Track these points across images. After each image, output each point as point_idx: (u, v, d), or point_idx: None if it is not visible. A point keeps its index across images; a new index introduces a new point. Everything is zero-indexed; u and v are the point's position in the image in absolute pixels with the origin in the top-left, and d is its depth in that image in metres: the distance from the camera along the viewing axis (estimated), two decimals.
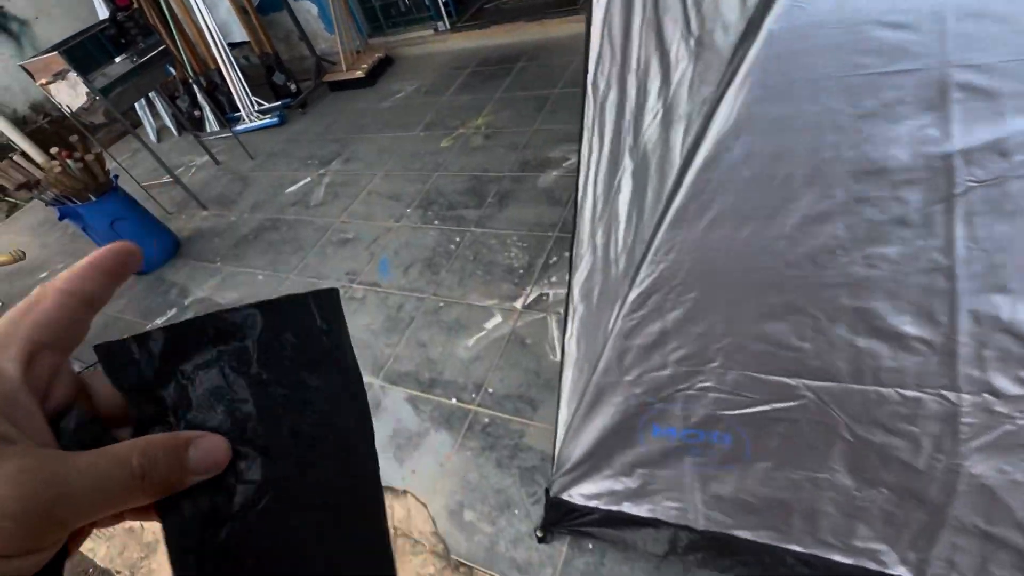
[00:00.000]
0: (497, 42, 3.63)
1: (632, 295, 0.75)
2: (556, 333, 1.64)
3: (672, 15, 0.64)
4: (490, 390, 1.56)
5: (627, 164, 0.78)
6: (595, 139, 0.88)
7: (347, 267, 2.21)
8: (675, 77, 0.66)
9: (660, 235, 0.68)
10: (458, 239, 2.14)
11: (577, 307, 0.97)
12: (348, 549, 0.22)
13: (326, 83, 3.85)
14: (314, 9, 4.06)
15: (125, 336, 0.20)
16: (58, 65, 2.42)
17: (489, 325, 1.75)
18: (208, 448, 0.19)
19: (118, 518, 0.19)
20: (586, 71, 0.88)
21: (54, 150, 2.14)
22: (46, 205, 2.39)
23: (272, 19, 4.07)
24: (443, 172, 2.57)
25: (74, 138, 2.25)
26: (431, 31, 3.92)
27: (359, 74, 3.69)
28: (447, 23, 3.84)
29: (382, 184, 2.66)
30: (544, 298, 1.77)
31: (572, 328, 0.99)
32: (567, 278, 0.98)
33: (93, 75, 2.46)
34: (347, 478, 0.23)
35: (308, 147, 3.25)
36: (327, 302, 0.23)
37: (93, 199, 2.31)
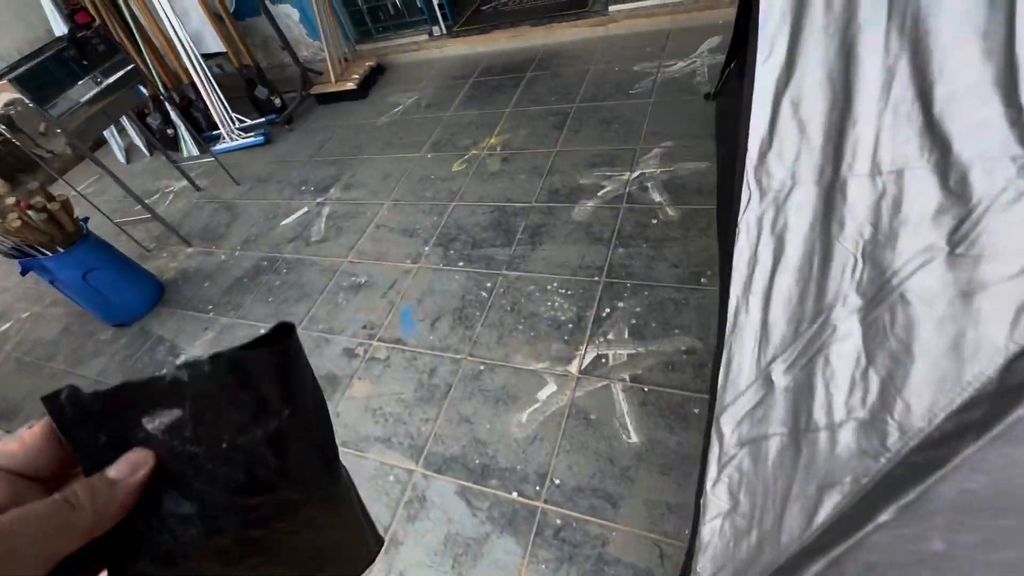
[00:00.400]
0: (500, 48, 3.37)
1: (900, 503, 0.54)
2: (625, 407, 1.43)
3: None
4: (557, 481, 1.34)
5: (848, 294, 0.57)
6: (764, 242, 0.66)
7: (363, 319, 1.96)
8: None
9: (970, 451, 0.47)
10: (489, 285, 1.90)
11: (732, 451, 0.75)
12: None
13: (313, 96, 3.53)
14: (295, 14, 3.72)
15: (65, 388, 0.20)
16: (9, 92, 2.08)
17: (542, 395, 1.53)
18: (128, 458, 0.20)
19: None
20: (740, 157, 0.66)
21: (10, 200, 1.82)
22: (3, 255, 2.07)
23: (249, 25, 3.72)
24: (460, 202, 2.32)
25: (33, 185, 1.93)
26: (425, 36, 3.63)
27: (350, 85, 3.38)
28: (443, 27, 3.56)
29: (391, 216, 2.40)
30: (603, 361, 1.55)
31: (716, 471, 0.78)
32: (711, 387, 0.76)
33: (52, 103, 2.13)
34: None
35: (301, 170, 2.95)
36: (272, 357, 0.22)
37: (61, 250, 2.00)
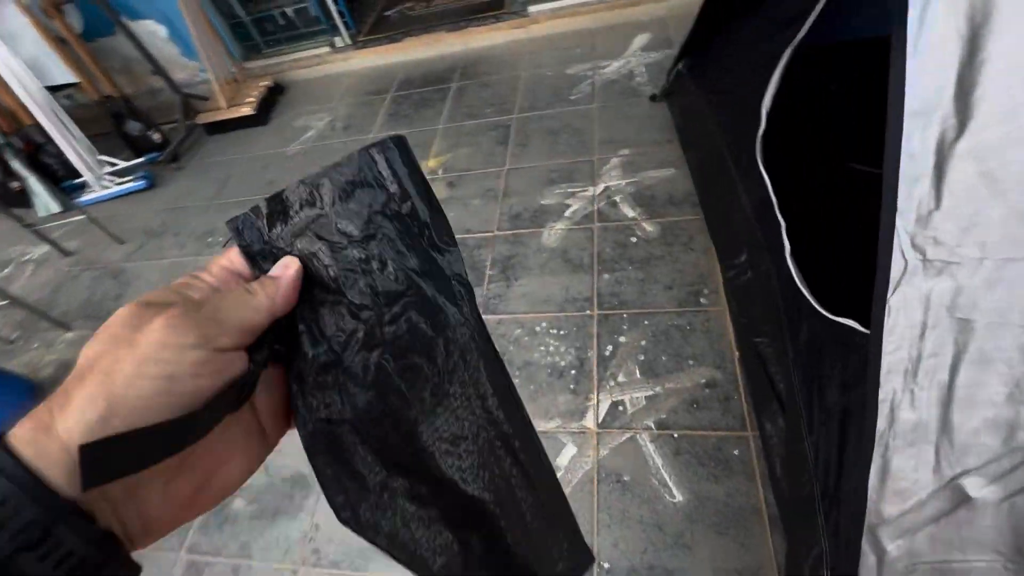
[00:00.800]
0: (416, 58, 3.09)
1: None
2: (659, 460, 1.29)
3: None
4: (606, 565, 1.17)
5: None
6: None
7: None
8: None
9: None
10: None
11: (904, 571, 0.61)
12: (440, 387, 0.26)
13: (201, 126, 3.02)
14: (161, 30, 3.16)
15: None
16: None
17: (564, 461, 1.34)
18: (279, 263, 0.26)
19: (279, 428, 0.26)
20: (887, 213, 0.52)
21: None
22: None
23: (103, 47, 3.10)
24: None
25: None
26: (327, 48, 3.25)
27: (246, 110, 2.93)
28: (347, 37, 3.20)
29: None
30: (620, 408, 1.40)
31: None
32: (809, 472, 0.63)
33: None
34: (434, 329, 0.26)
35: (202, 217, 2.49)
36: (392, 150, 0.27)
37: None
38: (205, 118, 2.99)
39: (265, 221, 0.26)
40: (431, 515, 0.24)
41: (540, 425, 1.42)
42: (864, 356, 0.92)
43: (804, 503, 0.97)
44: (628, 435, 1.35)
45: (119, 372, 0.19)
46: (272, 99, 3.11)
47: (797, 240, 1.18)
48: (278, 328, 0.25)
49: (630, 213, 1.86)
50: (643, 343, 1.51)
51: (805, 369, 1.04)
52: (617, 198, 1.92)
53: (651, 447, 1.32)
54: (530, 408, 1.42)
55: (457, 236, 1.78)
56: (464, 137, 2.43)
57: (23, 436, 0.18)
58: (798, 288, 1.11)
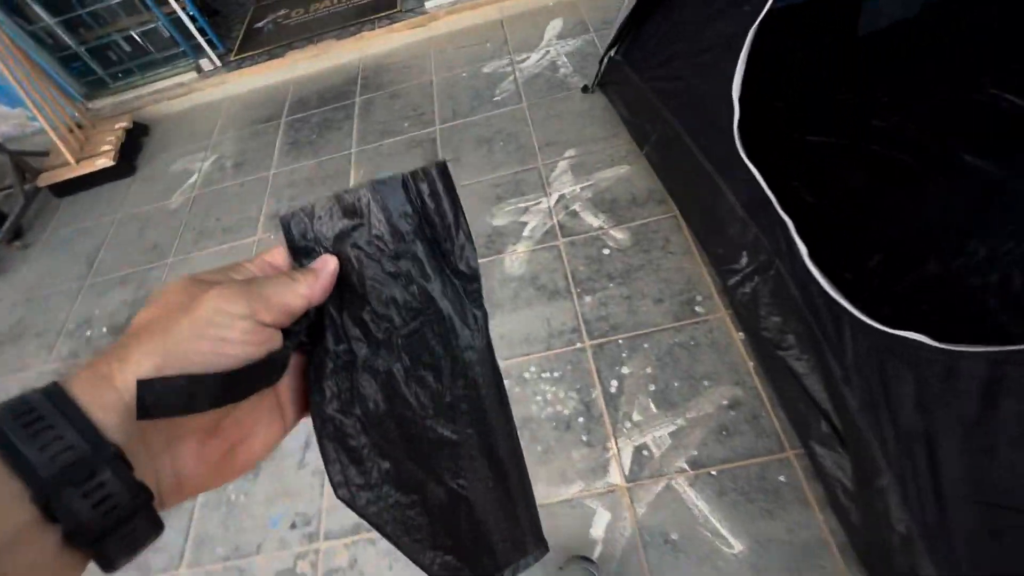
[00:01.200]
0: (305, 73, 2.69)
1: None
2: (705, 507, 1.14)
3: None
4: None
5: None
6: None
7: (288, 511, 1.33)
8: None
9: None
10: None
11: None
12: (447, 397, 0.28)
13: (46, 188, 2.44)
14: None
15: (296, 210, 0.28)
16: None
17: (599, 531, 1.16)
18: (320, 258, 0.28)
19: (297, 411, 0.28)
20: None
21: None
22: None
23: None
24: None
25: None
26: (193, 73, 2.75)
27: (104, 161, 2.40)
28: (215, 58, 2.72)
29: None
30: (645, 453, 1.24)
31: None
32: None
33: None
34: (444, 348, 0.29)
35: (70, 305, 1.99)
36: (434, 177, 0.29)
37: None
38: (49, 178, 2.41)
39: (312, 221, 0.29)
40: (414, 500, 0.28)
41: (560, 492, 1.22)
42: (946, 371, 0.82)
43: (901, 542, 0.86)
44: (663, 483, 1.19)
45: (176, 331, 0.21)
46: (135, 142, 2.58)
47: (807, 236, 1.07)
48: (307, 319, 0.27)
49: (594, 222, 1.69)
50: (649, 370, 1.35)
51: (863, 391, 0.93)
52: (576, 206, 1.74)
53: (691, 492, 1.17)
54: (543, 472, 1.21)
55: None
56: (385, 159, 2.13)
57: (82, 382, 0.20)
58: (829, 296, 0.99)
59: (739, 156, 1.22)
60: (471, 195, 1.89)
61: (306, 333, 0.27)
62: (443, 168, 0.29)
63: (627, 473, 1.22)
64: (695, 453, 1.21)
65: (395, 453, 0.27)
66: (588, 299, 1.52)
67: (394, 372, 0.28)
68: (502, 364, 1.44)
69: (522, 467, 0.30)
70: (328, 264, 0.28)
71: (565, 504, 1.21)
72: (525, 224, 1.75)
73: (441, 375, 0.28)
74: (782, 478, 1.14)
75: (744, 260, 1.24)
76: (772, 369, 1.20)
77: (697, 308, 1.43)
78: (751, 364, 1.31)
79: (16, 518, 0.17)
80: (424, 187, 0.29)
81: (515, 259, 1.67)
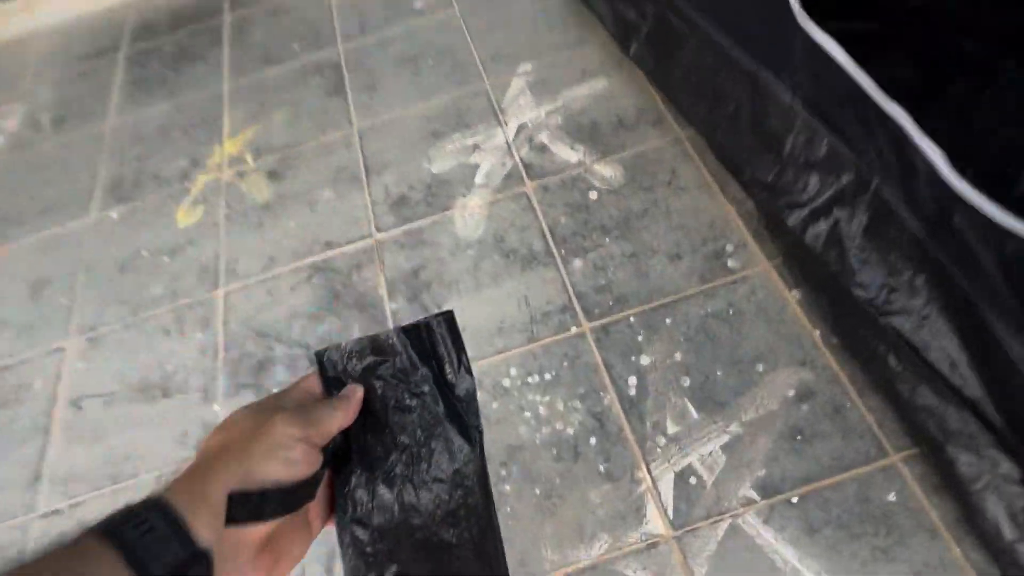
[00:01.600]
0: None
1: None
2: (789, 552, 0.78)
3: None
4: None
5: None
6: None
7: None
8: None
9: None
10: None
11: None
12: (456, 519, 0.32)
13: None
14: None
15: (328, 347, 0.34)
16: None
17: None
18: (348, 387, 0.33)
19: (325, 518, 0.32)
20: None
21: None
22: None
23: None
24: (234, 283, 1.22)
25: None
26: None
27: None
28: None
29: (94, 372, 1.17)
30: (692, 480, 0.85)
31: None
32: None
33: None
34: (450, 461, 0.32)
35: None
36: (443, 324, 0.35)
37: None
38: None
39: (345, 357, 0.34)
40: None
41: (578, 556, 0.82)
42: None
43: None
44: (725, 524, 0.82)
45: (253, 451, 0.26)
46: None
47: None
48: (334, 441, 0.31)
49: (571, 156, 1.24)
50: (678, 357, 0.96)
51: None
52: (543, 138, 1.28)
53: (768, 533, 0.80)
54: (549, 528, 0.80)
55: (318, 255, 0.91)
56: (271, 95, 1.55)
57: (180, 496, 0.23)
58: (991, 227, 0.61)
59: (800, 29, 0.80)
60: (396, 134, 1.37)
61: (332, 453, 0.31)
62: (449, 318, 0.35)
63: (671, 514, 0.83)
64: (763, 473, 0.84)
65: (403, 556, 0.31)
66: (578, 263, 1.09)
67: (408, 485, 0.32)
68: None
69: (502, 555, 0.33)
70: (357, 393, 0.32)
71: (590, 570, 0.81)
72: (477, 167, 1.27)
73: (446, 485, 0.32)
74: (891, 496, 0.80)
75: (813, 186, 0.84)
76: (863, 341, 0.84)
77: (729, 262, 1.04)
78: (816, 333, 0.94)
79: None
80: (435, 331, 0.35)
81: (468, 216, 1.20)
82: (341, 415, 0.30)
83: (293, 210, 1.30)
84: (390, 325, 1.09)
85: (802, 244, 0.88)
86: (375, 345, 0.34)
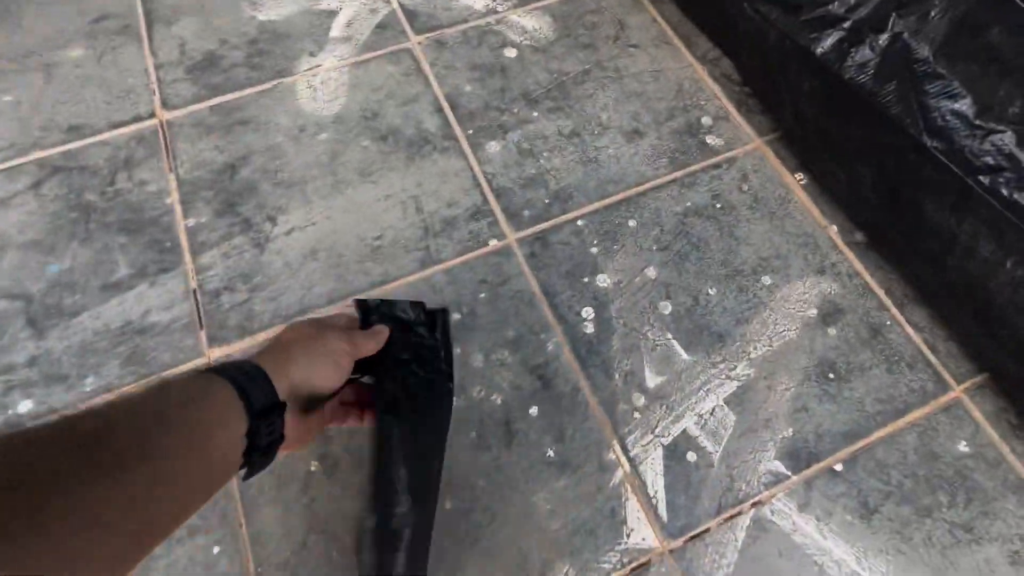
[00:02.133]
0: None
1: None
2: (847, 555, 0.51)
3: None
4: None
5: None
6: None
7: None
8: None
9: None
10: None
11: None
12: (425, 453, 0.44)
13: None
14: None
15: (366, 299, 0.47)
16: None
17: None
18: (377, 326, 0.44)
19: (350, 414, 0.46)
20: None
21: None
22: None
23: None
24: None
25: None
26: None
27: None
28: None
29: None
30: (691, 458, 0.54)
31: None
32: None
33: None
34: (430, 430, 0.45)
35: None
36: (443, 315, 0.49)
37: None
38: None
39: (393, 307, 0.47)
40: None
41: None
42: None
43: None
44: (745, 518, 0.52)
45: (315, 351, 0.37)
46: None
47: None
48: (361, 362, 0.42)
49: (476, 1, 0.84)
50: (651, 273, 0.64)
51: None
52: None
53: (808, 525, 0.52)
54: (474, 569, 0.46)
55: (55, 147, 0.71)
56: None
57: (269, 364, 0.34)
58: None
59: None
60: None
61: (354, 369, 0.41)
62: (444, 313, 0.49)
63: (664, 515, 0.52)
64: (790, 433, 0.56)
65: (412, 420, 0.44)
66: (494, 147, 0.72)
67: (418, 393, 0.44)
68: (330, 310, 0.60)
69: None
70: (384, 331, 0.44)
71: None
72: (333, 14, 0.83)
73: (429, 401, 0.46)
74: (962, 446, 0.55)
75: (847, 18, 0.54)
76: (910, 235, 0.56)
77: (708, 140, 0.73)
78: (832, 229, 0.67)
79: (238, 423, 0.30)
80: (437, 319, 0.49)
81: (320, 85, 0.76)
82: (374, 343, 0.42)
83: (13, 78, 0.77)
84: (186, 250, 0.64)
85: (820, 100, 0.57)
86: (420, 311, 0.48)
